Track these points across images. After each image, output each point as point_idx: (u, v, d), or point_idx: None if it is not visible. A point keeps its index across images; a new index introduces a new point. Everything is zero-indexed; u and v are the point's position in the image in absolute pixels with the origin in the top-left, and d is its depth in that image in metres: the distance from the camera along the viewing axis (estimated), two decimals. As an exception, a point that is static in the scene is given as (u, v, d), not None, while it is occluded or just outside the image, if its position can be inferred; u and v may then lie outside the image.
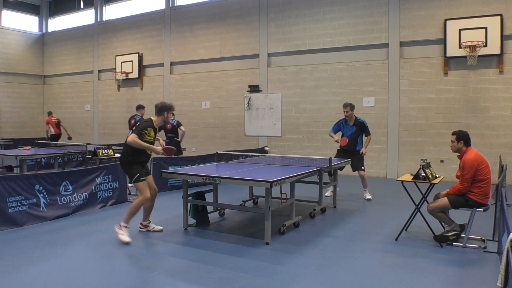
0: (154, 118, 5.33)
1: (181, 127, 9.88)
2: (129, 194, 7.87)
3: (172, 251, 4.84)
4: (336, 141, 7.84)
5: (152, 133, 5.22)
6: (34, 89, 19.11)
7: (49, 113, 14.45)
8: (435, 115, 10.42)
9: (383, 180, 10.57)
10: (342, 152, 8.00)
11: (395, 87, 10.84)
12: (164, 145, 8.44)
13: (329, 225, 6.12)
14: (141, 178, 5.23)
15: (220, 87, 13.85)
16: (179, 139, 9.84)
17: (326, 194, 8.07)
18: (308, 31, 12.11)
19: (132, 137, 5.09)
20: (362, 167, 7.87)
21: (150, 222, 5.60)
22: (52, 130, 13.92)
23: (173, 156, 8.68)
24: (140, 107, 10.37)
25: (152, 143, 5.29)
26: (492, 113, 9.79)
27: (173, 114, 9.67)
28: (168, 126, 9.67)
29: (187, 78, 14.59)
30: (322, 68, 11.90)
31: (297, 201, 6.32)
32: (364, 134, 7.94)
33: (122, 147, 5.43)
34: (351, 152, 7.87)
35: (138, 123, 5.32)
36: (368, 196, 7.97)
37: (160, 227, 5.60)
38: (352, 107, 7.80)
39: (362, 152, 7.85)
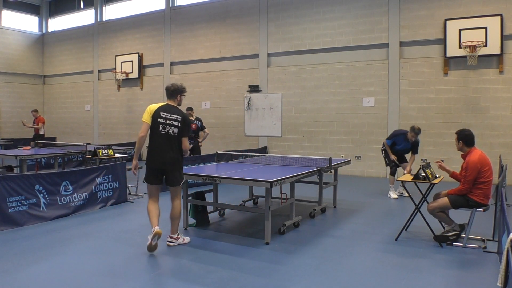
0: (169, 102, 4.94)
1: (205, 130, 10.02)
2: (129, 194, 7.87)
3: (172, 251, 4.84)
4: (393, 159, 8.11)
5: None
6: (34, 89, 19.11)
7: (36, 111, 14.01)
8: (435, 115, 10.42)
9: (383, 180, 10.56)
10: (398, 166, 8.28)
11: (395, 87, 10.84)
12: None
13: (329, 225, 6.12)
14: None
15: (220, 87, 13.85)
16: (200, 140, 9.90)
17: (393, 196, 8.12)
18: (308, 31, 12.11)
19: (187, 142, 4.87)
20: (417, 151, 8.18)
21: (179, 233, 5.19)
22: (43, 130, 13.65)
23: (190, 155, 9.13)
24: (190, 109, 10.08)
25: None
26: (492, 113, 9.80)
27: (190, 116, 9.79)
28: (193, 126, 9.71)
29: (187, 78, 14.59)
30: (322, 68, 11.90)
31: (297, 201, 6.33)
32: (412, 151, 8.13)
33: (170, 147, 4.81)
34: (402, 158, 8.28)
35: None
36: (406, 194, 7.98)
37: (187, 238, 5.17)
38: (419, 133, 8.00)
39: (406, 171, 7.82)
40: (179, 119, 4.83)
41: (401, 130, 8.40)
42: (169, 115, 4.82)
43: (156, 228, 4.60)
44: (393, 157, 8.11)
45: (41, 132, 13.64)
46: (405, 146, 8.11)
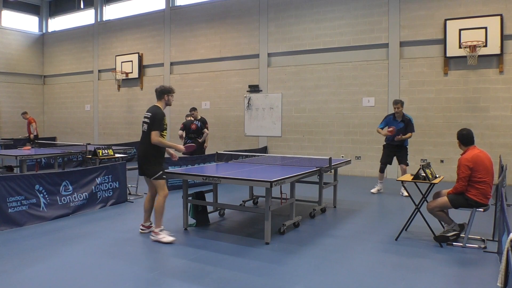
0: (157, 103, 5.36)
1: (205, 130, 9.87)
2: (129, 194, 7.87)
3: (172, 251, 4.84)
4: (386, 134, 8.13)
5: (166, 120, 5.31)
6: (34, 89, 19.11)
7: (26, 113, 13.83)
8: (435, 115, 10.42)
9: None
10: (389, 147, 8.36)
11: (395, 87, 10.84)
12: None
13: (329, 225, 6.12)
14: (164, 176, 5.27)
15: (220, 87, 13.85)
16: (201, 140, 9.83)
17: (373, 190, 8.48)
18: (308, 31, 12.11)
19: (157, 137, 5.10)
20: (407, 162, 8.26)
21: (152, 223, 5.54)
22: (34, 131, 13.44)
23: (191, 154, 9.22)
24: (193, 109, 9.98)
25: (166, 128, 5.30)
26: (492, 113, 9.79)
27: (192, 115, 9.77)
28: (193, 126, 9.67)
29: (187, 78, 14.59)
30: (322, 68, 11.90)
31: (297, 201, 6.33)
32: (409, 130, 8.20)
33: (140, 144, 5.30)
34: (399, 147, 8.28)
35: (155, 118, 5.17)
36: (405, 193, 7.99)
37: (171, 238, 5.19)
38: (402, 103, 8.21)
39: (396, 138, 8.09)
40: (149, 116, 5.21)
41: (391, 114, 8.48)
42: (146, 113, 5.28)
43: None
44: (384, 132, 8.14)
45: (34, 132, 13.47)
46: (398, 126, 8.16)
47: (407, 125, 8.16)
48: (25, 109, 18.33)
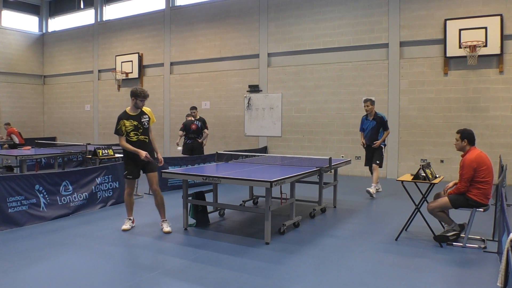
0: (128, 107, 5.57)
1: (205, 130, 9.92)
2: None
3: (172, 251, 4.84)
4: (362, 143, 8.30)
5: (127, 123, 5.42)
6: (34, 89, 19.11)
7: (8, 124, 13.75)
8: (435, 115, 10.42)
9: (383, 180, 10.56)
10: (368, 148, 8.32)
11: (395, 87, 10.84)
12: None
13: (329, 225, 6.12)
14: (128, 176, 5.58)
15: (220, 87, 13.85)
16: (200, 140, 9.88)
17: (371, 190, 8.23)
18: (308, 31, 12.11)
19: (119, 141, 5.49)
20: (377, 161, 8.11)
21: (131, 219, 5.81)
22: (17, 140, 13.19)
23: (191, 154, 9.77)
24: (193, 108, 10.00)
25: (137, 130, 5.44)
26: (492, 113, 9.79)
27: (192, 115, 9.75)
28: (193, 126, 9.69)
29: (187, 78, 14.59)
30: (322, 68, 11.90)
31: (297, 201, 6.33)
32: (383, 129, 8.15)
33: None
34: (372, 147, 8.22)
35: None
36: (372, 190, 7.94)
37: (127, 227, 5.68)
38: (372, 102, 8.15)
39: (375, 144, 8.08)
40: None
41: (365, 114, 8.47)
42: None
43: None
44: (362, 140, 8.28)
45: (13, 142, 13.11)
46: (371, 125, 8.15)
47: (380, 124, 8.09)
48: (25, 109, 18.43)
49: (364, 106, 8.16)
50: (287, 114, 12.50)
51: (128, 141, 5.43)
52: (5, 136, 13.51)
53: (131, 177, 5.58)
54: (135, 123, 5.44)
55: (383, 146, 8.22)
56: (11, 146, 13.01)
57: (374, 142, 8.11)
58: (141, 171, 5.64)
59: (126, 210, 5.76)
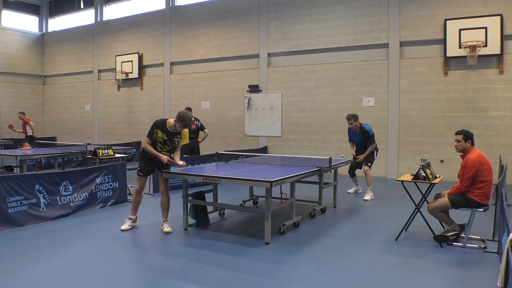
0: (170, 120, 5.50)
1: (205, 130, 10.15)
2: (129, 194, 7.86)
3: (172, 251, 4.84)
4: (352, 154, 8.26)
5: (160, 134, 5.45)
6: (34, 89, 19.11)
7: (23, 113, 13.66)
8: (435, 115, 10.42)
9: (383, 180, 10.57)
10: (354, 159, 8.18)
11: (395, 87, 10.84)
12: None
13: (329, 225, 6.12)
14: (139, 173, 5.71)
15: (220, 87, 13.85)
16: (200, 140, 10.07)
17: (349, 191, 8.55)
18: (308, 31, 12.11)
19: (144, 142, 5.63)
20: (369, 164, 8.04)
21: (132, 218, 5.82)
22: (30, 131, 13.13)
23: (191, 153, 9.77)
24: (189, 110, 9.92)
25: (164, 144, 5.51)
26: (492, 113, 9.79)
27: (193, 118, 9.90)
28: (193, 126, 9.79)
29: (187, 78, 14.59)
30: (322, 68, 11.90)
31: (297, 201, 6.33)
32: (369, 143, 8.02)
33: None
34: (356, 161, 8.15)
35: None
36: (366, 197, 7.91)
37: (125, 227, 5.70)
38: (355, 118, 7.92)
39: (358, 159, 8.04)
40: None
41: None
42: None
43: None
44: (352, 152, 8.26)
45: (29, 133, 13.13)
46: (357, 139, 8.11)
47: (366, 137, 7.98)
48: (25, 109, 18.36)
49: (348, 124, 7.95)
50: (287, 114, 12.50)
51: (152, 147, 5.52)
52: (21, 127, 13.36)
53: (142, 174, 5.68)
54: (166, 138, 5.48)
55: (375, 151, 8.14)
56: (29, 138, 12.87)
57: (358, 157, 8.04)
58: (155, 169, 5.82)
59: (131, 208, 5.80)
